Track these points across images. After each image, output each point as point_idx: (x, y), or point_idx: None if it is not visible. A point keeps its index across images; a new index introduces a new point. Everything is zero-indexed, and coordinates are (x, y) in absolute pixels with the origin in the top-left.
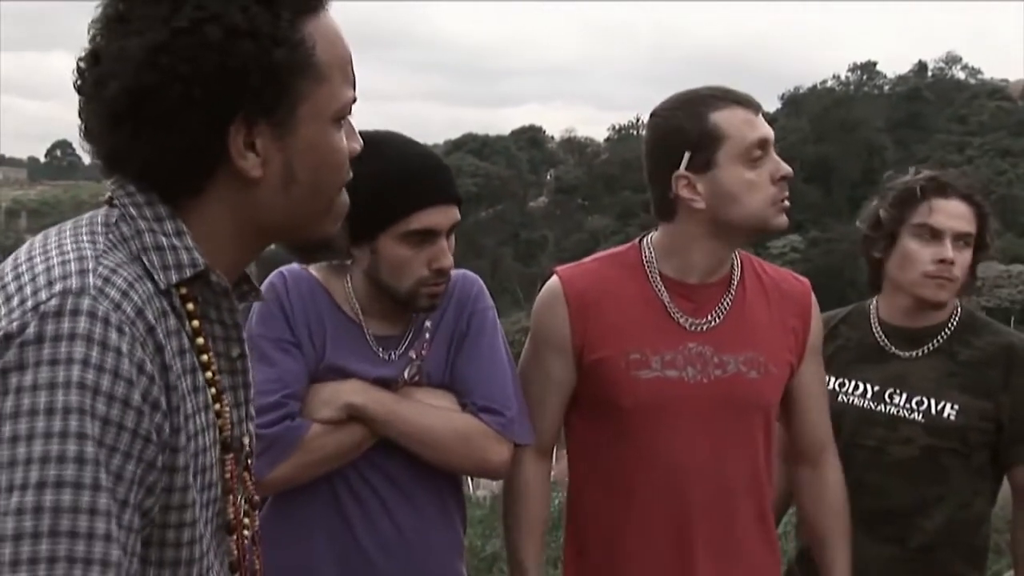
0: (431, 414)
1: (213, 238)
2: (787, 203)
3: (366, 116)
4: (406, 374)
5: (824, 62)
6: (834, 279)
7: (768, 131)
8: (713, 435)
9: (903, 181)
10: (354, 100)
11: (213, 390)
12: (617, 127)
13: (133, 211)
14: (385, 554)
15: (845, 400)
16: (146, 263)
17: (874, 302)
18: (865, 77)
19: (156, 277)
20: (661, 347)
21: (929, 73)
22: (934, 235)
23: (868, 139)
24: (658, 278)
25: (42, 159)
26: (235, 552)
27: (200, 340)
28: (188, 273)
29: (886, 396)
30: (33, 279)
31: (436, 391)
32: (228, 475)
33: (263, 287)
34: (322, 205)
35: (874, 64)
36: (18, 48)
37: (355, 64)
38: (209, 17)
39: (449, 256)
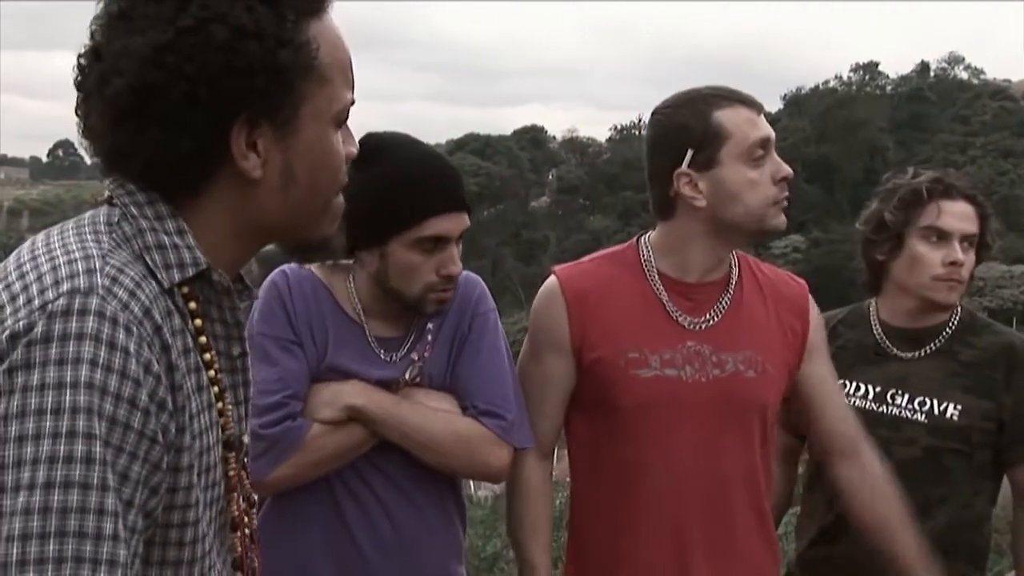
0: (432, 417)
1: (211, 237)
2: (786, 204)
3: (368, 116)
4: (407, 376)
5: (826, 62)
6: (835, 279)
7: (770, 131)
8: (711, 434)
9: (906, 183)
10: (353, 103)
11: (216, 389)
12: (619, 127)
13: (134, 210)
14: (383, 555)
15: (848, 402)
16: (148, 262)
17: (873, 303)
18: (867, 77)
19: (159, 276)
20: (660, 346)
21: (931, 73)
22: (941, 237)
23: (870, 139)
24: (656, 277)
25: (44, 159)
26: (238, 550)
27: (203, 339)
28: (190, 272)
29: (888, 397)
30: (39, 278)
31: (437, 393)
32: (231, 473)
33: (264, 285)
34: (319, 206)
35: (876, 64)
36: (20, 48)
37: (357, 64)
38: (215, 17)
39: (458, 263)
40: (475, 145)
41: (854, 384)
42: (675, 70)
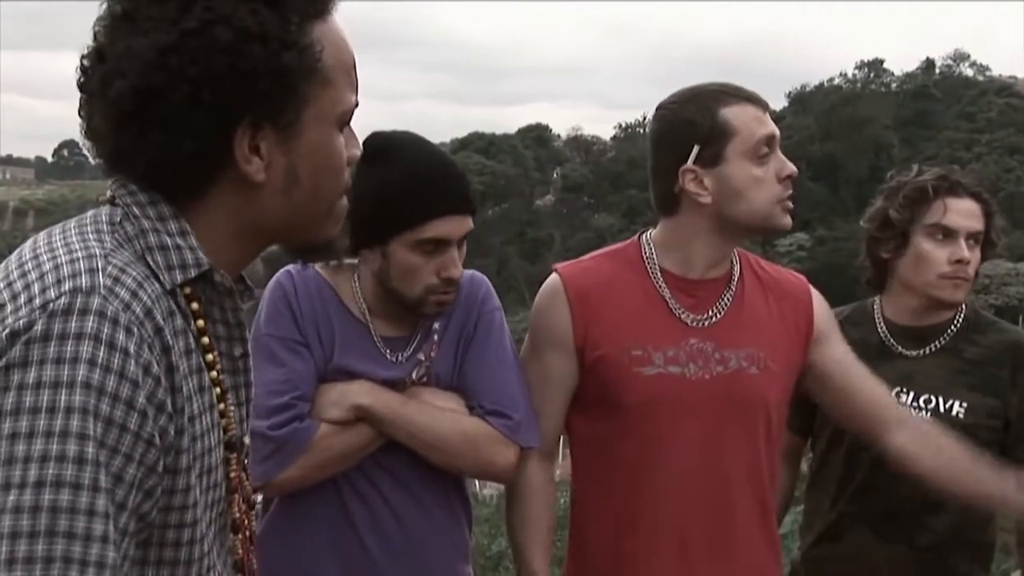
0: (439, 417)
1: (213, 238)
2: (791, 204)
3: (374, 116)
4: (414, 375)
5: (831, 60)
6: (841, 277)
7: (775, 129)
8: (715, 431)
9: (911, 180)
10: (357, 104)
11: (218, 390)
12: (623, 125)
13: (136, 210)
14: (390, 557)
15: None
16: (151, 263)
17: (877, 301)
18: (872, 75)
19: (161, 277)
20: (663, 343)
21: (937, 70)
22: (947, 235)
23: (875, 137)
24: (659, 274)
25: (49, 159)
26: (240, 551)
27: (205, 340)
28: (193, 273)
29: (893, 395)
30: (41, 277)
31: (444, 393)
32: (232, 475)
33: (270, 286)
34: (323, 208)
35: (881, 62)
36: (25, 48)
37: (362, 64)
38: (218, 19)
39: (459, 266)
40: (480, 144)
41: None
42: (679, 69)
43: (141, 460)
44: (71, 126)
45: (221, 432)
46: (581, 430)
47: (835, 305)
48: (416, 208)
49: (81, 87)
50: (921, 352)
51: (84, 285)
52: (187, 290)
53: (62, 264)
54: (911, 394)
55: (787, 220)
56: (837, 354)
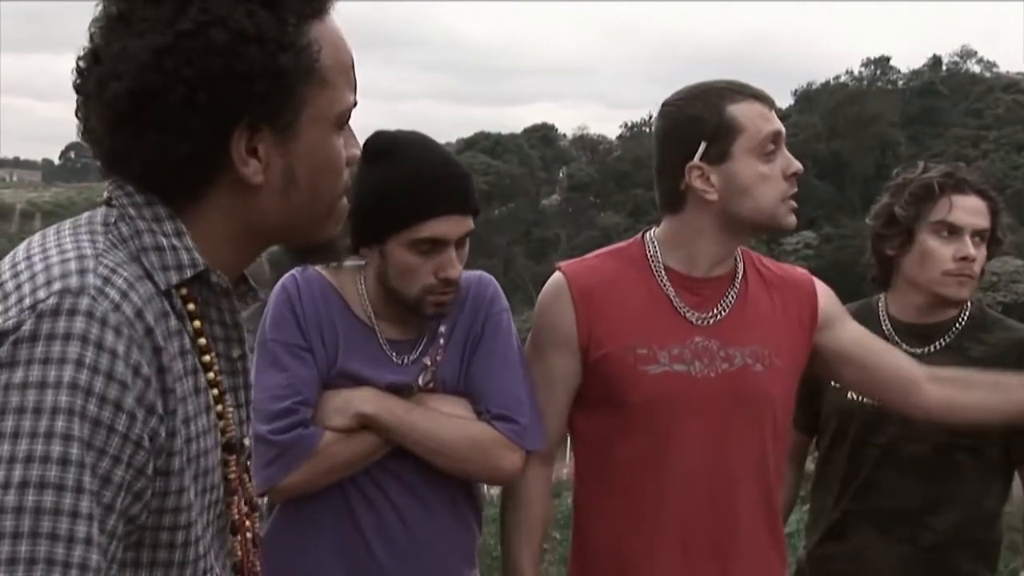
0: (444, 423)
1: (211, 240)
2: (795, 204)
3: (378, 116)
4: (420, 380)
5: (837, 57)
6: (847, 275)
7: (781, 126)
8: (720, 429)
9: (917, 177)
10: (355, 104)
11: (215, 391)
12: (629, 124)
13: (132, 211)
14: (396, 561)
15: (855, 398)
16: (146, 264)
17: (882, 299)
18: (878, 72)
19: (156, 278)
20: (668, 341)
21: (943, 67)
22: (953, 232)
23: (882, 134)
24: (663, 272)
25: (56, 161)
26: (239, 553)
27: (202, 341)
28: (188, 274)
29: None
30: (32, 278)
31: (451, 398)
32: (231, 476)
33: (275, 290)
34: (322, 209)
35: (887, 59)
36: (27, 49)
37: (366, 64)
38: (214, 20)
39: (457, 266)
40: (485, 144)
41: None
42: (684, 67)
43: (129, 462)
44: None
45: (219, 434)
46: (584, 428)
47: (843, 303)
48: (412, 207)
49: (77, 88)
50: (926, 350)
51: (73, 286)
52: (183, 291)
53: (53, 265)
54: None
55: (792, 219)
56: (849, 332)
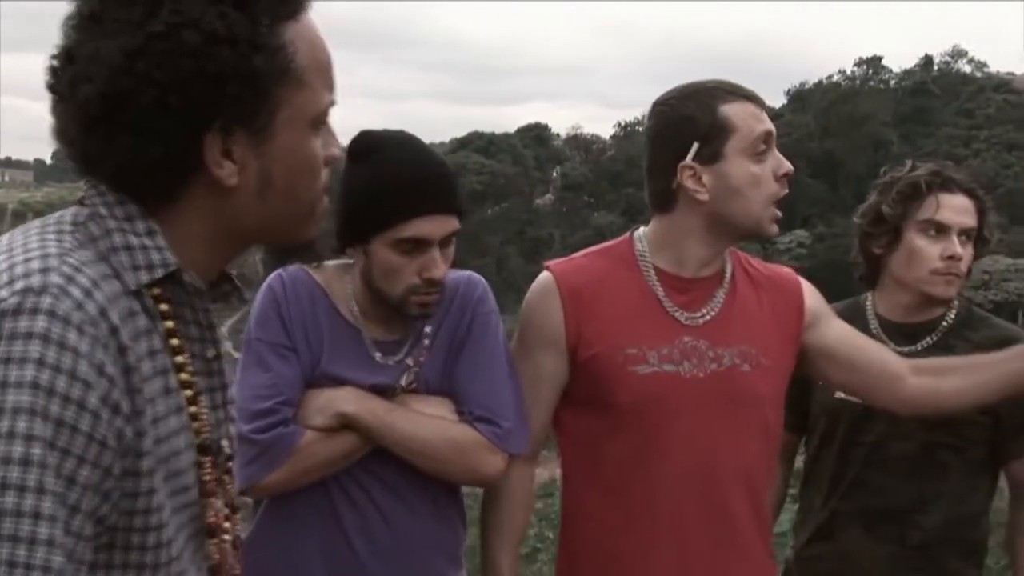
0: (424, 424)
1: (187, 241)
2: (779, 213)
3: (373, 115)
4: (403, 381)
5: (830, 57)
6: (840, 274)
7: (772, 126)
8: (709, 430)
9: (904, 176)
10: (333, 104)
11: (189, 392)
12: (623, 124)
13: (103, 211)
14: (379, 561)
15: (843, 396)
16: (114, 263)
17: (870, 297)
18: (871, 72)
19: (124, 277)
20: (657, 341)
21: (935, 67)
22: (940, 231)
23: (874, 134)
24: (652, 271)
25: (48, 161)
26: (216, 556)
27: (175, 341)
28: (159, 273)
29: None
30: None
31: (434, 399)
32: (207, 478)
33: (261, 289)
34: (300, 211)
35: (880, 58)
36: (24, 48)
37: (362, 63)
38: (186, 22)
39: (441, 267)
40: (479, 143)
41: None
42: (679, 67)
43: (95, 462)
44: None
45: (193, 435)
46: (572, 427)
47: (831, 302)
48: (395, 207)
49: (51, 88)
50: (913, 348)
51: (35, 284)
52: (156, 291)
53: (16, 264)
54: None
55: (774, 228)
56: (835, 331)
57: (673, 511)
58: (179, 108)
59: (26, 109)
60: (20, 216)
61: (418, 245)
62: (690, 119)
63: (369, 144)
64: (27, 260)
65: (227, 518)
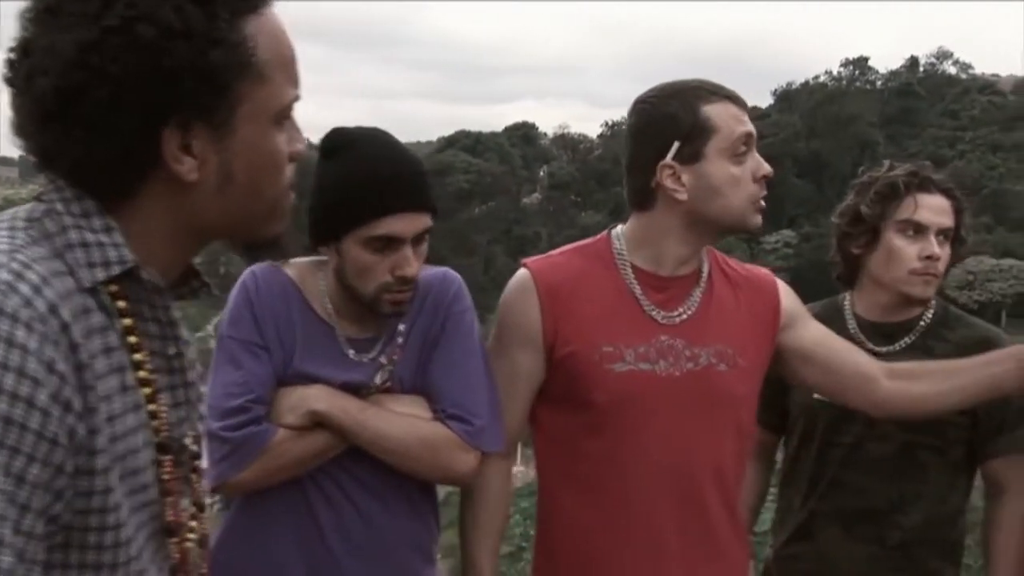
0: (396, 422)
1: (147, 237)
2: (763, 204)
3: (362, 114)
4: (377, 379)
5: (816, 58)
6: (826, 274)
7: (752, 128)
8: (684, 428)
9: (882, 176)
10: (297, 99)
11: (147, 390)
12: (610, 123)
13: (60, 207)
14: (354, 558)
15: (821, 397)
16: (68, 260)
17: (848, 297)
18: (857, 72)
19: (79, 274)
20: (634, 340)
21: (921, 68)
22: (918, 231)
23: (860, 134)
24: (629, 270)
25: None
26: (176, 555)
27: (132, 338)
28: (116, 270)
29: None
30: None
31: (409, 397)
32: (166, 477)
33: (235, 286)
34: (263, 206)
35: (866, 59)
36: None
37: (355, 62)
38: (141, 16)
39: (414, 264)
40: (466, 142)
41: None
42: (667, 67)
43: (45, 460)
44: None
45: (151, 433)
46: (548, 425)
47: (821, 300)
48: (366, 205)
49: (8, 82)
50: (891, 348)
51: None
52: (113, 288)
53: None
54: None
55: (758, 219)
56: (811, 332)
57: (648, 509)
58: (135, 103)
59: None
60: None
61: (390, 243)
62: (672, 118)
63: (341, 141)
64: None
65: (193, 516)
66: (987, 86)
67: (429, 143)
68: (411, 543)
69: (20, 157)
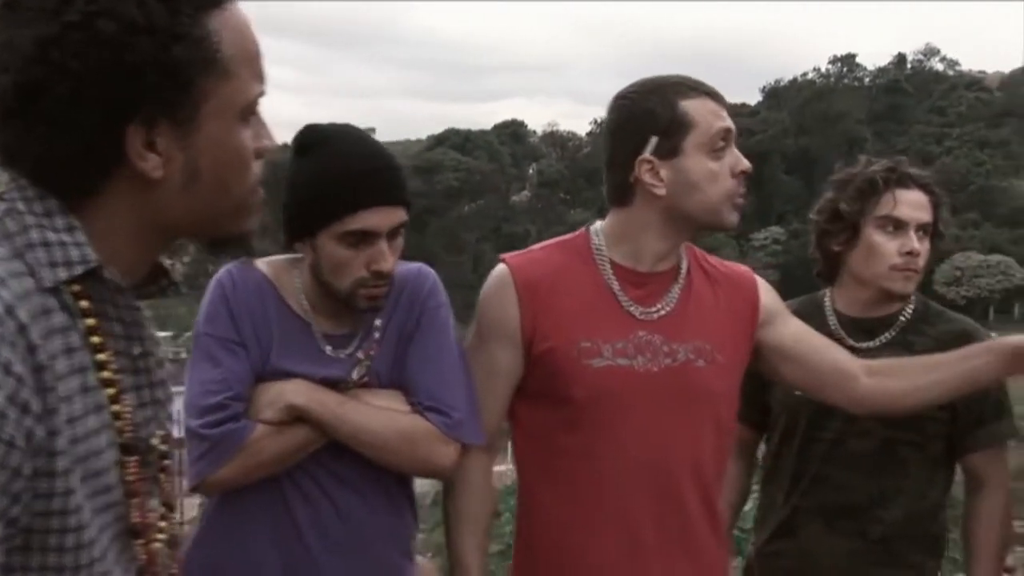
0: (374, 415)
1: (112, 236)
2: (741, 200)
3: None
4: (355, 375)
5: (804, 54)
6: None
7: (731, 124)
8: (662, 424)
9: (861, 172)
10: (262, 94)
11: (111, 390)
12: (599, 121)
13: (22, 206)
14: (331, 554)
15: (802, 393)
16: (29, 260)
17: (827, 293)
18: (845, 69)
19: (40, 274)
20: (612, 335)
21: (908, 65)
22: (898, 226)
23: (849, 131)
24: (608, 266)
25: None
26: (143, 557)
27: (95, 338)
28: (78, 270)
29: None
30: None
31: (386, 392)
32: (131, 478)
33: (210, 284)
34: (230, 203)
35: (854, 56)
36: None
37: (342, 61)
38: (102, 11)
39: (389, 259)
40: (455, 140)
41: None
42: (655, 63)
43: (2, 463)
44: None
45: (115, 434)
46: (526, 420)
47: (809, 296)
48: (339, 200)
49: None
50: (872, 344)
51: None
52: (76, 288)
53: None
54: None
55: (734, 218)
56: (790, 329)
57: (625, 504)
58: (96, 99)
59: None
60: None
61: (365, 237)
62: (650, 113)
63: (315, 138)
64: None
65: (163, 517)
66: (974, 83)
67: (419, 141)
68: (389, 537)
69: None
